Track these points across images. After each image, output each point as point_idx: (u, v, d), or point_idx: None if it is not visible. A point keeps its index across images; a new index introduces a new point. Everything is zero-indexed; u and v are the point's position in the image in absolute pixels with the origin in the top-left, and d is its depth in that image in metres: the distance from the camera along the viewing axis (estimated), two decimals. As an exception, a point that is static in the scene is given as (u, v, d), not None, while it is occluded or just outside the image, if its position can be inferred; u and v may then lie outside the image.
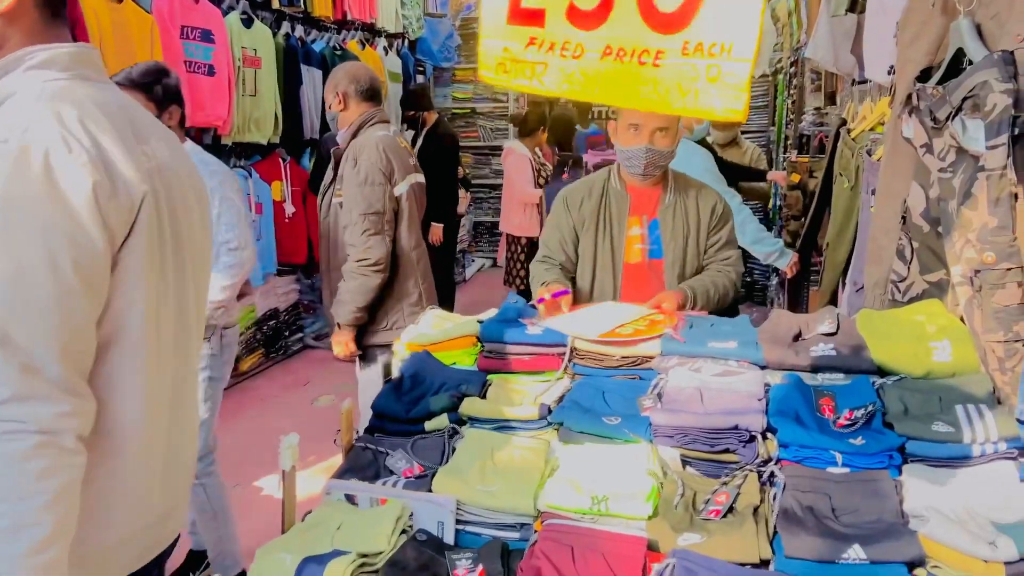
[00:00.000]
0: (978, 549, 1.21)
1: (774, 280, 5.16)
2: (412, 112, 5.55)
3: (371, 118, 2.97)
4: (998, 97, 1.50)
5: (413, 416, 1.75)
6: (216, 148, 4.66)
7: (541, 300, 2.14)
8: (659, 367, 1.86)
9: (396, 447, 1.67)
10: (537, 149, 5.84)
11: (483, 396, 1.84)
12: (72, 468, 1.08)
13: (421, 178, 3.11)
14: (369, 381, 2.94)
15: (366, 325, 2.97)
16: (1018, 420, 1.45)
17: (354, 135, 2.95)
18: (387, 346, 2.89)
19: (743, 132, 6.08)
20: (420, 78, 7.78)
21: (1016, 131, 1.50)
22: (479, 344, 2.03)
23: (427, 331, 2.07)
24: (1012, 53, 1.54)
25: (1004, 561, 1.19)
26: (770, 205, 5.48)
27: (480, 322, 2.07)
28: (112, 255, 1.15)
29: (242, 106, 4.79)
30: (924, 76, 1.84)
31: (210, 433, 2.73)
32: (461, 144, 8.07)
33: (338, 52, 5.94)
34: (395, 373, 1.96)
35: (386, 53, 6.84)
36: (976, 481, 1.40)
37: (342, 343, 2.95)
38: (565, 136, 7.09)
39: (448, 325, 2.11)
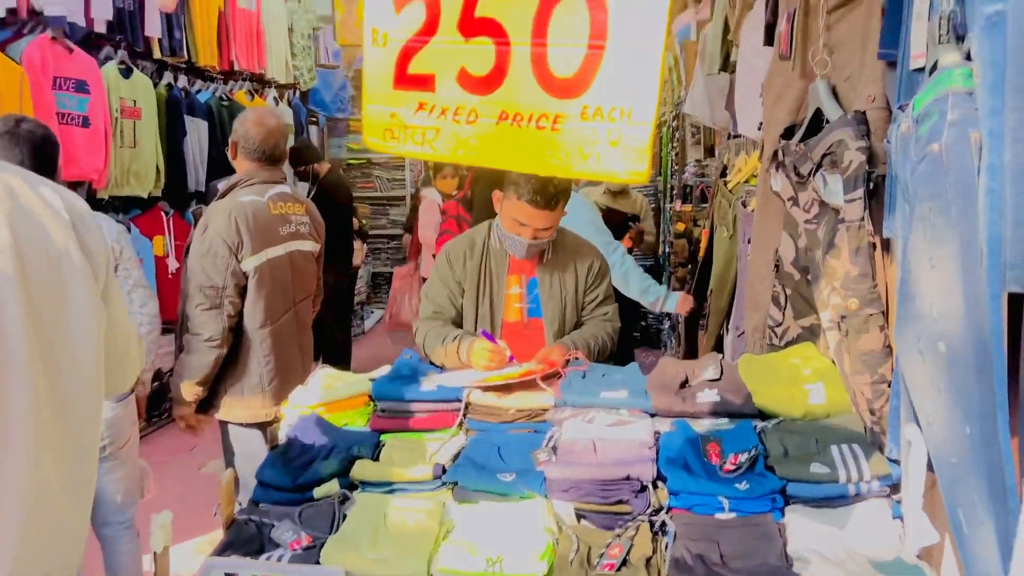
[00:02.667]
0: (857, 588, 1.25)
1: (667, 324, 5.33)
2: (303, 167, 5.48)
3: (246, 180, 2.77)
4: (853, 154, 1.61)
5: (301, 483, 1.68)
6: (92, 202, 4.43)
7: (491, 338, 2.19)
8: (553, 419, 1.86)
9: (283, 517, 1.59)
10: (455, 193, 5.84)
11: (376, 458, 1.80)
12: None
13: (301, 246, 2.86)
14: (244, 446, 2.79)
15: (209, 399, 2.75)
16: (888, 459, 1.52)
17: (222, 195, 2.76)
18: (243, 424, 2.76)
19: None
20: (313, 129, 7.71)
21: (871, 185, 1.61)
22: (372, 403, 1.98)
23: (317, 392, 2.01)
24: (864, 113, 1.66)
25: (881, 599, 1.24)
26: (660, 252, 5.67)
27: (373, 380, 2.03)
28: None
29: (120, 158, 4.59)
30: (788, 133, 1.96)
31: None
32: (358, 195, 8.02)
33: (225, 103, 5.81)
34: (282, 438, 1.88)
35: (276, 104, 6.74)
36: (853, 520, 1.46)
37: (181, 417, 2.74)
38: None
39: (340, 384, 2.05)
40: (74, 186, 4.33)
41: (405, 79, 1.59)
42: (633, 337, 2.41)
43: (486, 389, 1.95)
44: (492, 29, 1.48)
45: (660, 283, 5.55)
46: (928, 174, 1.19)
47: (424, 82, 1.58)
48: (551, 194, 2.22)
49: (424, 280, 5.77)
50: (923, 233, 1.21)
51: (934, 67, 1.26)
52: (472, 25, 1.49)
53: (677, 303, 3.52)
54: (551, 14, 1.41)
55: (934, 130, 1.17)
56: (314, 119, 7.76)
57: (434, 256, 5.63)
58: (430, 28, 1.55)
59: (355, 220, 6.57)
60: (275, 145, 2.83)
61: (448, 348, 2.25)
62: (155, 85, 5.05)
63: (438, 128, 1.57)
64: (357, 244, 6.56)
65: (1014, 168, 1.07)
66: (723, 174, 3.32)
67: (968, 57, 1.18)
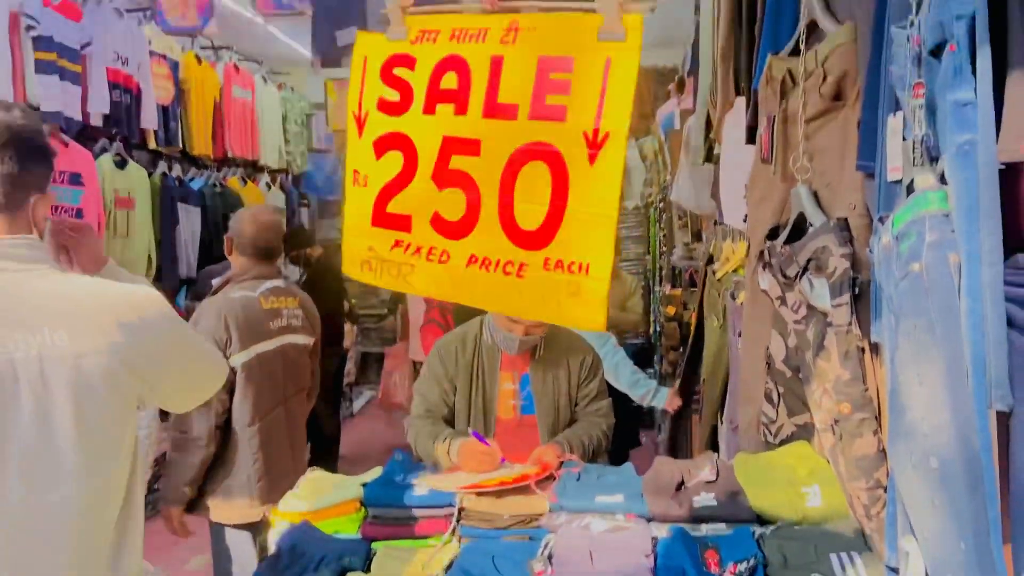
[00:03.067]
0: None
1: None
2: (294, 252, 5.53)
3: (239, 275, 2.80)
4: (838, 260, 1.64)
5: (291, 599, 1.64)
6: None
7: (481, 439, 2.19)
8: (548, 525, 1.84)
9: (272, 637, 1.55)
10: None
11: (368, 568, 1.76)
12: None
13: (294, 339, 2.87)
14: (234, 549, 2.73)
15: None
16: (887, 567, 1.50)
17: (215, 292, 2.77)
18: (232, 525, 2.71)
19: (622, 260, 6.38)
20: (304, 212, 7.79)
21: (856, 291, 1.64)
22: (363, 509, 1.95)
23: (306, 498, 1.98)
24: (846, 220, 1.71)
25: None
26: (650, 332, 5.69)
27: (364, 484, 2.00)
28: None
29: (112, 248, 4.62)
30: (773, 234, 2.00)
31: None
32: (347, 276, 8.06)
33: (217, 189, 5.89)
34: (271, 548, 1.84)
35: (269, 188, 6.84)
36: (855, 633, 1.44)
37: (169, 518, 2.67)
38: None
39: (330, 489, 2.02)
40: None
41: (383, 218, 1.68)
42: (628, 432, 2.39)
43: (479, 494, 1.93)
44: (464, 182, 1.58)
45: (651, 364, 5.57)
46: (911, 292, 1.21)
47: (401, 222, 1.67)
48: None
49: (414, 362, 5.76)
50: (910, 349, 1.22)
51: (911, 183, 1.31)
52: (446, 176, 1.60)
53: (666, 399, 3.54)
54: (517, 174, 1.51)
55: (914, 250, 1.20)
56: (306, 202, 7.86)
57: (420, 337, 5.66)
58: (407, 175, 1.66)
59: (345, 302, 6.58)
60: (268, 241, 2.87)
61: (439, 448, 2.24)
62: (149, 174, 5.13)
63: (413, 264, 1.66)
64: (347, 326, 6.55)
65: (992, 290, 1.10)
66: (710, 261, 3.37)
67: (942, 178, 1.22)
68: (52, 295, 1.39)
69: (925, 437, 1.20)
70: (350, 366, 7.68)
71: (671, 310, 4.27)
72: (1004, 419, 1.15)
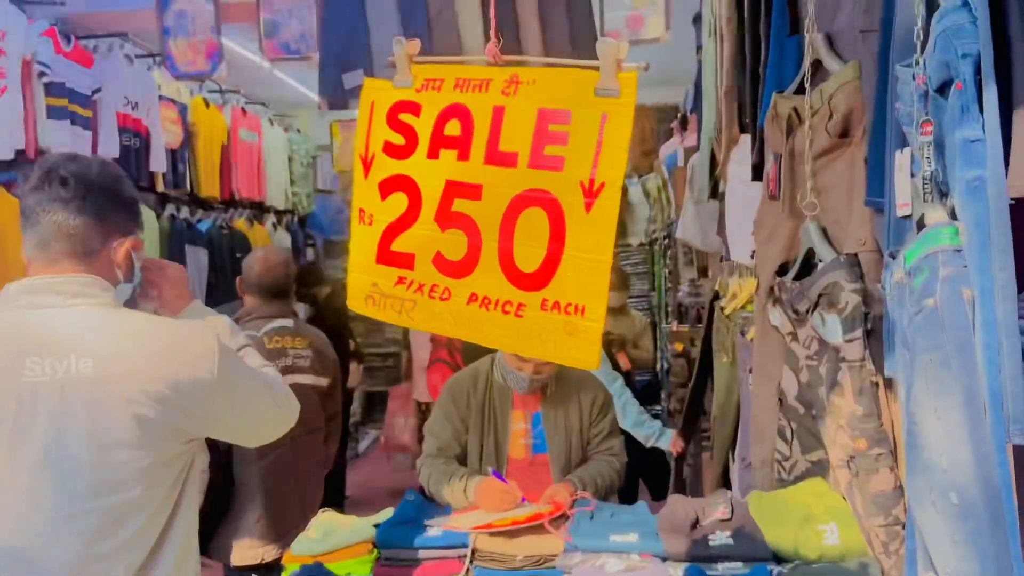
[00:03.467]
0: None
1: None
2: (304, 290, 5.55)
3: (245, 315, 2.82)
4: (849, 296, 1.65)
5: (305, 643, 1.62)
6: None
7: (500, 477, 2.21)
8: (563, 565, 1.82)
9: None
10: None
11: (381, 612, 1.74)
12: None
13: (299, 379, 2.78)
14: None
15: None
16: (908, 606, 1.48)
17: None
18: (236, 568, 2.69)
19: (628, 297, 6.38)
20: (310, 252, 7.83)
21: (868, 326, 1.64)
22: (375, 550, 1.94)
23: (318, 540, 1.96)
24: (856, 255, 1.72)
25: None
26: (658, 367, 5.68)
27: (376, 525, 1.99)
28: None
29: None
30: (782, 271, 2.01)
31: None
32: (353, 315, 8.07)
33: (225, 231, 5.93)
34: (284, 592, 1.82)
35: (275, 229, 6.88)
36: (878, 675, 1.41)
37: None
38: None
39: (342, 530, 2.00)
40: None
41: (387, 256, 1.73)
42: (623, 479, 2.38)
43: (493, 534, 1.92)
44: (466, 224, 1.62)
45: (659, 401, 5.54)
46: (925, 327, 1.22)
47: (404, 260, 1.72)
48: None
49: (417, 403, 5.74)
50: (926, 384, 1.22)
51: (921, 218, 1.32)
52: (448, 218, 1.65)
53: (670, 442, 3.55)
54: (517, 219, 1.56)
55: (927, 286, 1.21)
56: (311, 242, 7.90)
57: (426, 377, 5.64)
58: (411, 216, 1.70)
59: (351, 341, 6.58)
60: (274, 280, 2.88)
61: (455, 487, 2.22)
62: (157, 216, 5.17)
63: (415, 300, 1.70)
64: (353, 365, 6.55)
65: (1007, 324, 1.11)
66: (716, 297, 3.37)
67: (953, 214, 1.23)
68: (89, 328, 1.46)
69: (944, 473, 1.19)
70: (355, 406, 7.65)
71: (679, 347, 4.26)
72: (1021, 451, 1.15)
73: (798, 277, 1.91)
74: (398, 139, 1.73)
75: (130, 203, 1.60)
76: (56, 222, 1.49)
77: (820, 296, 1.73)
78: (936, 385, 1.20)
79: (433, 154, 1.68)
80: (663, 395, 5.57)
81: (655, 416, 5.44)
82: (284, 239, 7.00)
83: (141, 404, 1.43)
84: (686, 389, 4.09)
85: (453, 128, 1.66)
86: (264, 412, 1.65)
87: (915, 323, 1.25)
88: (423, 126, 1.70)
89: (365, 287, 1.77)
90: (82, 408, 1.42)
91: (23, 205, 1.53)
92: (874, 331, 1.64)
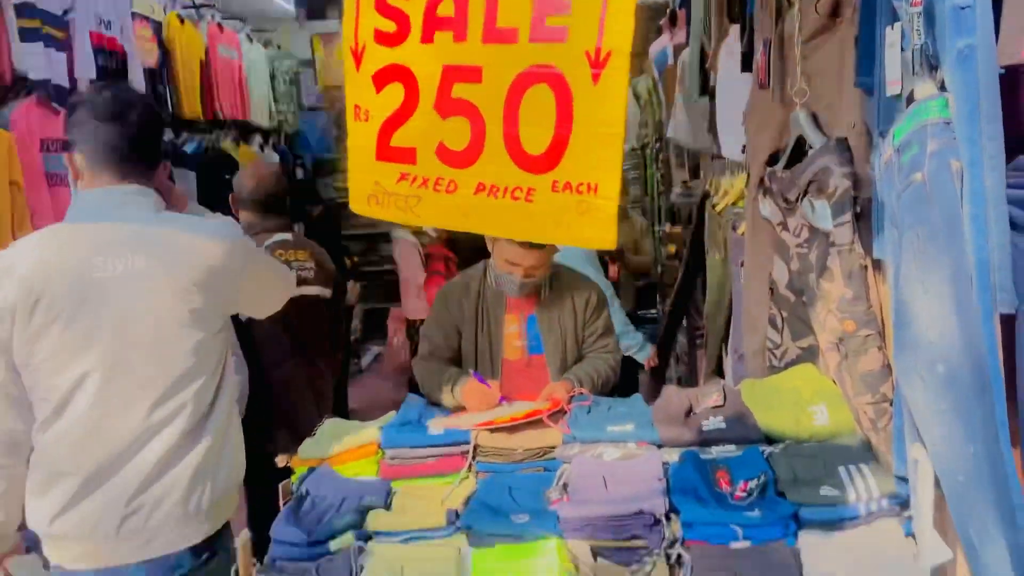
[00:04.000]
0: (875, 611, 1.26)
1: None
2: (296, 209, 5.51)
3: (246, 232, 2.81)
4: (839, 180, 1.65)
5: (316, 538, 1.68)
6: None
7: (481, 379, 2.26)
8: (562, 456, 1.88)
9: (301, 574, 1.60)
10: (429, 230, 5.88)
11: (388, 507, 1.80)
12: None
13: (305, 291, 2.80)
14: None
15: None
16: (896, 477, 1.54)
17: None
18: None
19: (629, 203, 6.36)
20: (300, 172, 7.74)
21: (858, 209, 1.65)
22: (380, 452, 1.99)
23: (324, 444, 2.02)
24: (846, 140, 1.71)
25: (899, 620, 1.25)
26: (655, 273, 5.71)
27: (380, 428, 2.04)
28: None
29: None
30: (772, 160, 2.00)
31: None
32: (347, 233, 8.04)
33: (211, 152, 5.85)
34: (294, 493, 1.88)
35: (262, 150, 6.78)
36: (867, 541, 1.48)
37: None
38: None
39: (347, 435, 2.06)
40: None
41: (387, 152, 1.67)
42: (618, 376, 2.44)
43: (493, 430, 1.97)
44: (467, 110, 1.57)
45: (656, 304, 5.60)
46: (913, 202, 1.22)
47: (405, 155, 1.66)
48: None
49: (408, 321, 5.78)
50: (914, 260, 1.24)
51: (911, 95, 1.30)
52: (448, 105, 1.59)
53: (648, 356, 3.62)
54: (521, 99, 1.50)
55: (915, 160, 1.21)
56: (300, 161, 7.80)
57: (414, 295, 5.67)
58: (409, 107, 1.64)
59: (347, 259, 6.59)
60: (267, 193, 2.87)
61: (444, 389, 2.27)
62: (142, 140, 5.08)
63: (420, 196, 1.65)
64: (350, 284, 6.58)
65: (994, 194, 1.11)
66: (706, 196, 3.36)
67: (942, 86, 1.22)
68: (141, 231, 1.73)
69: (931, 345, 1.22)
70: (356, 323, 7.73)
71: (672, 249, 4.27)
72: (1008, 320, 1.17)
73: (788, 166, 1.90)
74: (389, 25, 1.66)
75: (163, 128, 1.90)
76: (109, 141, 1.74)
77: (810, 183, 1.72)
78: (924, 260, 1.21)
79: (427, 38, 1.61)
80: (658, 299, 5.62)
81: (651, 320, 5.51)
82: (272, 160, 6.90)
83: (188, 292, 1.74)
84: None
85: (447, 8, 1.58)
86: (276, 287, 2.05)
87: (903, 199, 1.26)
88: (414, 8, 1.62)
89: (366, 187, 1.73)
90: (142, 299, 1.71)
91: (75, 123, 1.78)
92: (863, 214, 1.65)
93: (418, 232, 5.84)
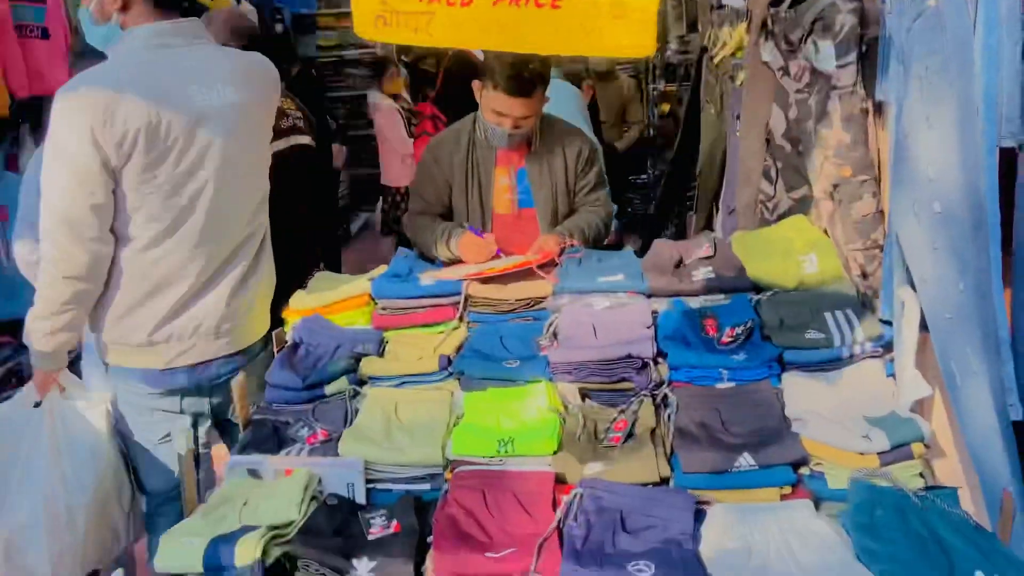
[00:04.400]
0: (854, 444, 1.31)
1: (652, 209, 5.31)
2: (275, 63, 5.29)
3: None
4: (845, 17, 1.57)
5: (311, 383, 1.71)
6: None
7: (477, 232, 2.23)
8: (552, 306, 1.89)
9: (297, 416, 1.64)
10: (405, 95, 5.71)
11: (381, 354, 1.83)
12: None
13: (301, 140, 2.80)
14: None
15: None
16: (881, 320, 1.57)
17: None
18: None
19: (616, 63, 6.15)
20: (279, 27, 7.39)
21: (864, 48, 1.58)
22: (373, 302, 2.00)
23: (316, 294, 2.02)
24: (855, -26, 1.62)
25: (878, 452, 1.31)
26: (646, 136, 5.60)
27: (371, 280, 2.04)
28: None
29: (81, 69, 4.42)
30: (777, 1, 1.90)
31: None
32: (331, 95, 7.79)
33: (186, 3, 5.54)
34: (288, 341, 1.90)
35: (238, 2, 6.44)
36: (848, 381, 1.52)
37: None
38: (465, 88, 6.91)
39: (339, 286, 2.06)
40: (44, 101, 4.18)
41: None
42: (610, 230, 2.40)
43: (485, 281, 1.97)
44: None
45: (646, 171, 5.54)
46: (924, 31, 1.17)
47: None
48: (526, 80, 2.15)
49: (393, 190, 5.67)
50: (920, 92, 1.20)
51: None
52: None
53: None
54: None
55: (930, -15, 1.14)
56: (280, 16, 7.43)
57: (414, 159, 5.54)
58: None
59: (331, 121, 6.42)
60: (241, 33, 2.75)
61: (439, 243, 2.25)
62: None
63: (433, 12, 1.53)
64: (336, 146, 6.44)
65: (1009, 21, 1.06)
66: (704, 51, 3.24)
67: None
68: (219, 62, 1.86)
69: (930, 182, 1.20)
70: (344, 189, 7.63)
71: (666, 107, 4.15)
72: (1006, 159, 1.15)
73: (792, 6, 1.81)
74: None
75: None
76: None
77: (815, 22, 1.65)
78: (930, 91, 1.17)
79: None
80: (648, 163, 5.55)
81: (641, 187, 5.46)
82: (250, 13, 6.57)
83: (269, 116, 1.98)
84: (673, 151, 4.06)
85: None
86: None
87: (914, 29, 1.20)
88: None
89: (373, 6, 1.59)
90: (239, 125, 1.84)
91: None
92: (868, 55, 1.58)
93: (396, 96, 5.65)
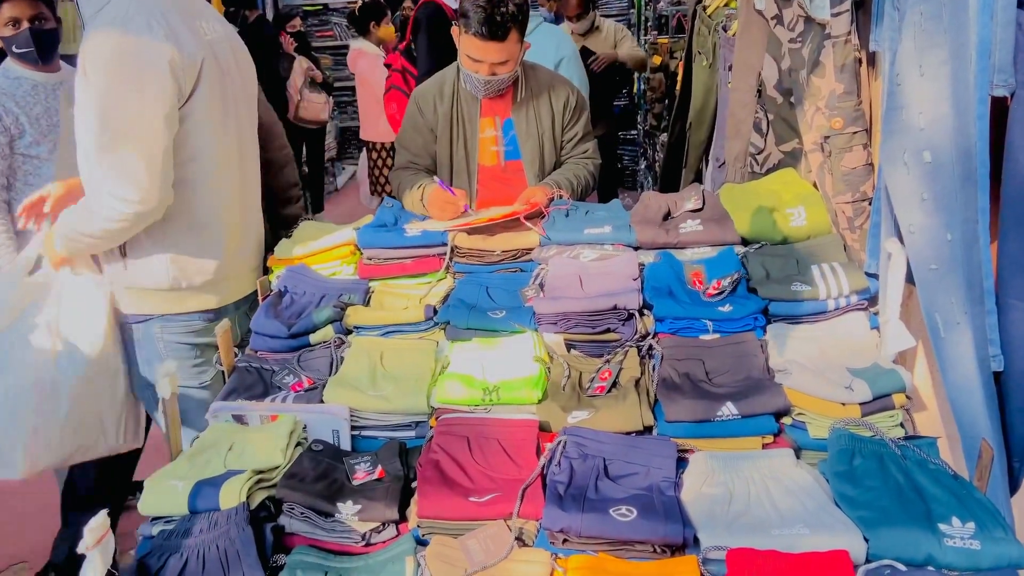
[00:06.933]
0: (836, 394, 1.32)
1: (642, 164, 5.28)
2: (232, 9, 5.11)
3: None
4: (840, -36, 1.54)
5: (296, 331, 1.71)
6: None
7: (446, 186, 2.15)
8: (539, 258, 1.88)
9: (282, 363, 1.63)
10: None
11: (367, 304, 1.82)
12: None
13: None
14: None
15: None
16: (866, 273, 1.57)
17: None
18: None
19: (605, 17, 6.04)
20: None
21: (858, -4, 1.56)
22: (358, 252, 1.98)
23: (301, 243, 2.00)
24: (852, -82, 1.58)
25: (859, 402, 1.32)
26: (634, 89, 5.54)
27: (357, 230, 2.02)
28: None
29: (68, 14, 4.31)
30: (772, -53, 1.86)
31: None
32: (316, 44, 7.63)
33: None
34: (273, 289, 1.89)
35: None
36: (832, 333, 1.53)
37: None
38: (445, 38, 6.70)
39: (324, 236, 2.04)
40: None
41: None
42: (617, 172, 2.34)
43: (471, 232, 1.95)
44: None
45: (635, 126, 5.48)
46: (921, -24, 1.15)
47: None
48: (499, 23, 2.08)
49: (371, 144, 5.51)
50: (913, 40, 1.18)
51: None
52: None
53: None
54: None
55: (929, -73, 1.12)
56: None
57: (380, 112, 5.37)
58: None
59: (318, 72, 6.31)
60: None
61: (413, 196, 2.21)
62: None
63: None
64: (322, 97, 6.34)
65: (1008, -34, 1.04)
66: (699, 1, 3.18)
67: None
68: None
69: (921, 131, 1.19)
70: (330, 141, 7.53)
71: (657, 60, 4.09)
72: (997, 110, 1.13)
73: (788, -48, 1.77)
74: None
75: None
76: None
77: (810, -32, 1.61)
78: (924, 39, 1.15)
79: None
80: (638, 119, 5.50)
81: (631, 141, 5.41)
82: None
83: (249, 58, 2.05)
84: (663, 104, 4.02)
85: None
86: None
87: (910, -26, 1.18)
88: None
89: None
90: (241, 61, 1.96)
91: None
92: (863, 3, 1.56)
93: (381, 42, 5.50)
